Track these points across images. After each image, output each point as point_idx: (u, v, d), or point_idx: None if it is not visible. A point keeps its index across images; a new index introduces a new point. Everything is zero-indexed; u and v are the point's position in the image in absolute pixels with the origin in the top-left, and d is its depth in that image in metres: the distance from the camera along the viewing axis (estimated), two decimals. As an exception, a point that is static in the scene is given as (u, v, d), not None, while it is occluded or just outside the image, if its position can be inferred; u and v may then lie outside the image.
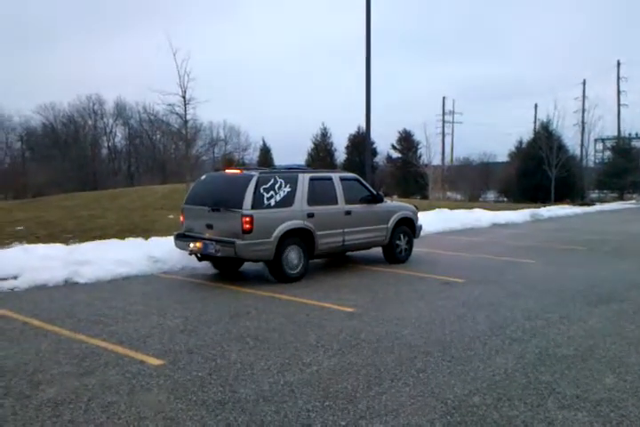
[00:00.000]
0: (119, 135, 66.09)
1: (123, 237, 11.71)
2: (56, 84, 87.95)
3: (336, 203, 9.90)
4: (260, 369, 4.99)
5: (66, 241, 11.76)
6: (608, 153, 56.75)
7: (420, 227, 11.85)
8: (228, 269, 10.03)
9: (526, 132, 53.31)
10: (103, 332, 6.13)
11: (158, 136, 63.66)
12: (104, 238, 11.74)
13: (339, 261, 11.35)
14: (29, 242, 11.20)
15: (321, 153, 58.15)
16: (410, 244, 11.37)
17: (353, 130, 56.52)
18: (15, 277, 8.62)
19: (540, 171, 39.61)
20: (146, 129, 64.66)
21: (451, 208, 22.61)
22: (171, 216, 17.63)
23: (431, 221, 16.58)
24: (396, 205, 11.58)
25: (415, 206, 12.00)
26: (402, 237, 11.13)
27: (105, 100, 63.37)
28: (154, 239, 11.39)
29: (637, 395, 4.44)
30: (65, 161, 55.12)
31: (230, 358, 5.28)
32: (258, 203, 8.70)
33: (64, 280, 8.80)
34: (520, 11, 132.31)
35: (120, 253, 9.89)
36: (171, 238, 9.93)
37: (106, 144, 65.87)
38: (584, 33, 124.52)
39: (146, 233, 12.91)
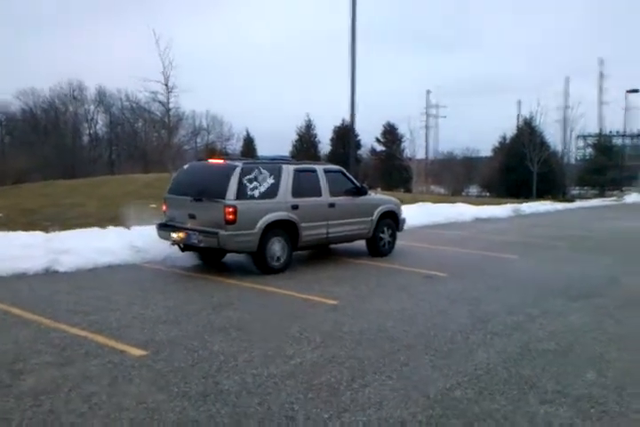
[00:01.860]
0: (100, 122, 65.32)
1: (104, 226, 11.56)
2: (37, 69, 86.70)
3: (320, 195, 9.87)
4: (242, 361, 4.97)
5: (46, 229, 11.60)
6: (589, 150, 57.34)
7: (404, 220, 11.86)
8: (210, 259, 9.97)
9: (510, 128, 53.59)
10: (84, 321, 6.07)
11: (140, 124, 62.99)
12: (85, 227, 11.58)
13: (322, 253, 11.34)
14: (9, 229, 11.02)
15: (305, 145, 58.01)
16: (393, 237, 11.39)
17: (338, 122, 56.34)
18: (-6, 265, 8.49)
19: (522, 166, 39.89)
20: (127, 117, 63.94)
21: (434, 202, 22.64)
22: (153, 205, 17.46)
23: (415, 214, 16.58)
24: (380, 198, 11.59)
25: (399, 200, 12.02)
26: (385, 230, 11.14)
27: (86, 87, 62.39)
28: (136, 229, 11.26)
29: (618, 391, 4.49)
30: (45, 147, 54.39)
31: (213, 350, 5.25)
32: (241, 193, 8.65)
33: (44, 269, 8.69)
34: (505, 7, 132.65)
35: (101, 242, 9.79)
36: (153, 228, 9.84)
37: (87, 131, 65.11)
38: (568, 30, 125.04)
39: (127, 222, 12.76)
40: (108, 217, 14.44)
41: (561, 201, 33.40)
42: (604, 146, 52.22)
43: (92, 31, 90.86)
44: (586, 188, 52.46)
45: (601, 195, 46.46)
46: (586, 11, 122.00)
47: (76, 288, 7.67)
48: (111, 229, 11.16)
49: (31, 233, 10.13)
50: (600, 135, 54.54)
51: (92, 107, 64.00)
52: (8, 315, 6.29)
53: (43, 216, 14.61)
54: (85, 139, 64.73)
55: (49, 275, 8.54)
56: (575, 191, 50.38)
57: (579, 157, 59.24)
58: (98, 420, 3.79)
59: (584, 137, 57.72)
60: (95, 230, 10.88)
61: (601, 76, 53.18)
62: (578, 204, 32.95)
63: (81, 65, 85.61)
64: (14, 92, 63.28)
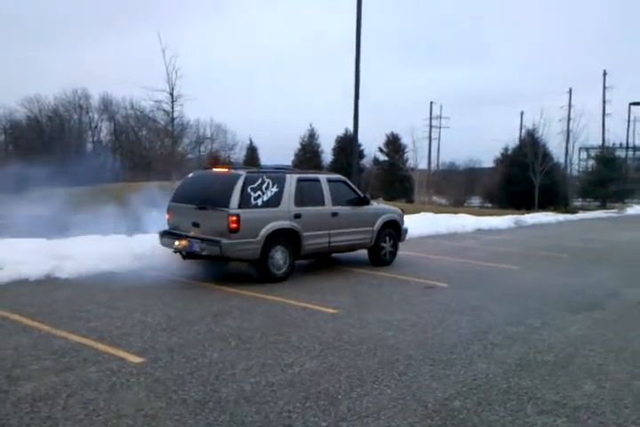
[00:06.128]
0: (104, 130, 65.67)
1: (106, 233, 11.57)
2: (42, 76, 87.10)
3: (323, 204, 9.89)
4: (241, 369, 4.97)
5: (48, 236, 11.61)
6: (592, 162, 57.28)
7: (406, 230, 11.87)
8: (212, 267, 9.97)
9: (512, 139, 53.62)
10: (84, 328, 6.08)
11: (144, 132, 63.24)
12: (87, 234, 11.59)
13: (324, 262, 11.34)
14: (11, 236, 11.03)
15: (308, 154, 58.02)
16: (395, 247, 11.39)
17: (340, 132, 56.37)
18: (-4, 271, 8.51)
19: (524, 178, 39.91)
20: (132, 125, 64.19)
21: (436, 212, 22.67)
22: (153, 213, 17.48)
23: (416, 224, 16.57)
24: (382, 208, 11.60)
25: (401, 210, 12.04)
26: (387, 239, 11.15)
27: (91, 95, 62.77)
28: (138, 236, 11.28)
29: (615, 402, 4.48)
30: (49, 155, 54.56)
31: (212, 358, 5.25)
32: (245, 202, 8.67)
33: (45, 275, 8.71)
34: (508, 19, 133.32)
35: (103, 249, 9.80)
36: (155, 236, 9.85)
37: (91, 139, 65.36)
38: (572, 42, 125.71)
39: (130, 229, 12.78)
40: (110, 224, 14.45)
41: (563, 213, 33.34)
42: (606, 158, 52.06)
43: (98, 39, 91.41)
44: (588, 199, 52.39)
45: (603, 207, 46.39)
46: (590, 21, 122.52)
47: (77, 295, 7.67)
48: (113, 236, 11.17)
49: (33, 240, 10.14)
50: (603, 147, 54.47)
51: (96, 115, 64.38)
52: (7, 321, 6.30)
53: (47, 223, 14.61)
54: (89, 146, 64.97)
55: (50, 281, 8.55)
56: (578, 203, 50.25)
57: (581, 169, 59.23)
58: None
59: (587, 149, 57.71)
60: (97, 237, 10.89)
61: (604, 88, 53.10)
62: (580, 215, 32.88)
63: (86, 73, 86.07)
64: (19, 99, 63.55)
